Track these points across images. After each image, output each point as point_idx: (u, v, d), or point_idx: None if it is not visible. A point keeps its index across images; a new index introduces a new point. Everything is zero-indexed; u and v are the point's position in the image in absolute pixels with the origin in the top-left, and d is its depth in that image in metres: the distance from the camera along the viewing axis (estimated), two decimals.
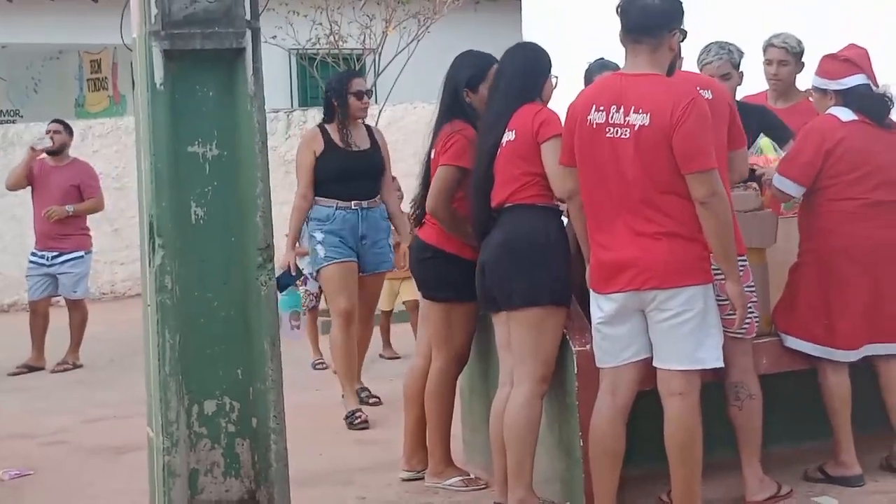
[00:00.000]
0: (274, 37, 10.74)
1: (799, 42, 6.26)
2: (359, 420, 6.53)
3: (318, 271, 6.88)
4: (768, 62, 6.26)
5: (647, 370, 4.40)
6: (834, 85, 5.13)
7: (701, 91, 4.64)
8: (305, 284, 8.37)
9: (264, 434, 4.21)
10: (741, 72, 5.65)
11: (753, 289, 4.80)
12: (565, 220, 4.81)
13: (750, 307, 4.72)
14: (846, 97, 5.10)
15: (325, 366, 8.18)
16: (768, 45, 6.29)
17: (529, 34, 13.58)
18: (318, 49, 11.50)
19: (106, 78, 17.24)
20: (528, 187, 4.71)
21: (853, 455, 5.06)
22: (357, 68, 11.27)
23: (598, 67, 5.77)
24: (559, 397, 4.81)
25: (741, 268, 4.69)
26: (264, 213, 4.23)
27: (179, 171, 4.17)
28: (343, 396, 6.80)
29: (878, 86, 5.18)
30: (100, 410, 7.50)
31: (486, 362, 5.27)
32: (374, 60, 11.24)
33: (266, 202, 4.24)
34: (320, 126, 6.88)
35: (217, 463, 4.20)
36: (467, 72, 5.16)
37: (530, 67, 4.87)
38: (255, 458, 4.21)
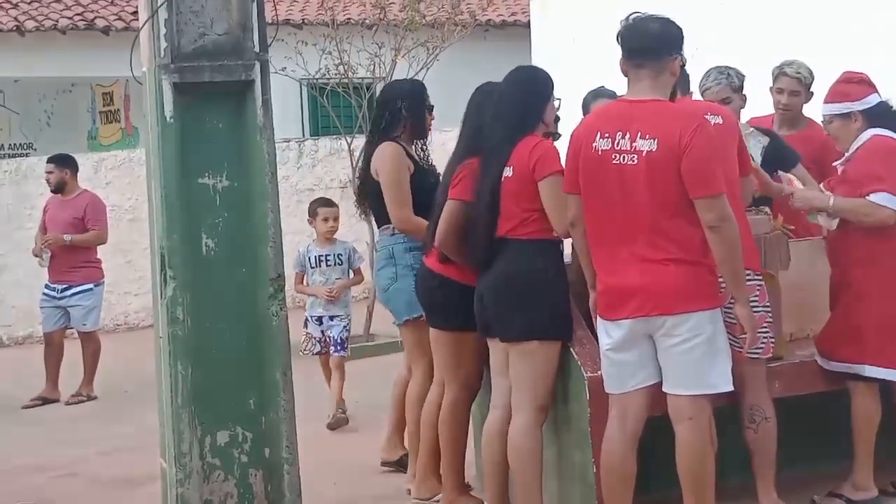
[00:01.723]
0: (284, 68, 10.76)
1: (811, 72, 6.24)
2: None
3: (419, 317, 5.55)
4: (779, 91, 6.23)
5: (657, 395, 4.39)
6: (858, 105, 5.08)
7: (711, 116, 4.66)
8: (306, 327, 7.66)
9: (277, 464, 4.23)
10: (744, 95, 5.65)
11: (769, 308, 4.79)
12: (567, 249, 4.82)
13: (765, 328, 4.72)
14: (871, 116, 5.08)
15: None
16: (780, 74, 6.27)
17: (539, 62, 13.64)
18: (329, 78, 11.53)
19: (118, 110, 17.32)
20: (528, 223, 4.73)
21: (872, 478, 5.03)
22: (367, 97, 11.30)
23: (593, 97, 5.81)
24: (572, 423, 4.81)
25: (758, 286, 4.69)
26: (275, 243, 4.26)
27: (190, 203, 4.20)
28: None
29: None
30: (114, 442, 7.50)
31: None
32: None
33: (277, 232, 4.27)
34: (394, 140, 5.75)
35: (230, 494, 4.22)
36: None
37: (530, 93, 4.88)
38: (269, 489, 4.23)
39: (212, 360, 4.19)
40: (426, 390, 5.54)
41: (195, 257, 4.20)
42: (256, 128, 4.26)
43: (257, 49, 4.30)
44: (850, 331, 4.99)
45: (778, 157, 5.59)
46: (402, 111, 5.75)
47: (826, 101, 5.21)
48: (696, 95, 5.48)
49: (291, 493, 4.24)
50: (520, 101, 4.84)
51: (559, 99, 4.97)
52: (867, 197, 4.92)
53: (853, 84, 5.18)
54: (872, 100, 5.11)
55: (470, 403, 5.32)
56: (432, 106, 5.94)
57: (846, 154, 5.13)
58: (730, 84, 5.53)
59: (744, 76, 5.67)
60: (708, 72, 5.59)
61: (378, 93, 6.83)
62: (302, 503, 4.25)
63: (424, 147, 5.86)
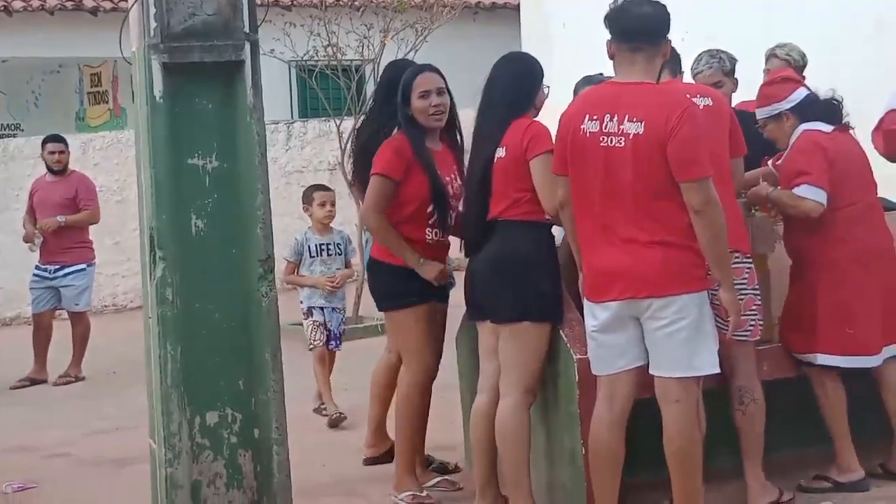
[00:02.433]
0: (272, 50, 10.73)
1: (803, 55, 6.27)
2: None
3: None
4: (767, 72, 6.26)
5: (644, 377, 4.41)
6: (786, 104, 5.17)
7: (701, 99, 4.68)
8: (311, 316, 7.36)
9: (266, 445, 4.22)
10: (736, 79, 5.66)
11: (758, 291, 4.81)
12: (558, 233, 4.83)
13: (754, 310, 4.74)
14: (801, 110, 5.14)
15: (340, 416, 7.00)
16: (771, 56, 6.29)
17: (528, 43, 13.64)
18: (317, 60, 11.50)
19: (106, 91, 17.26)
20: (520, 204, 4.74)
21: (856, 459, 5.07)
22: (356, 79, 11.28)
23: (585, 83, 5.79)
24: (561, 406, 4.82)
25: (747, 268, 4.71)
26: (265, 224, 4.25)
27: (179, 184, 4.19)
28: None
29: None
30: (102, 423, 7.50)
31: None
32: (373, 70, 11.24)
33: (266, 214, 4.26)
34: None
35: (219, 474, 4.21)
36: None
37: (522, 79, 4.89)
38: (258, 469, 4.22)
39: (201, 340, 4.18)
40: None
41: (184, 238, 4.18)
42: (246, 108, 4.24)
43: (247, 29, 4.28)
44: (802, 320, 5.04)
45: (766, 143, 5.59)
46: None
47: (756, 107, 5.28)
48: (688, 78, 5.48)
49: (280, 473, 4.23)
50: (512, 86, 4.86)
51: (548, 86, 4.99)
52: (793, 189, 4.99)
53: (776, 85, 5.29)
54: (798, 96, 5.18)
55: (426, 385, 5.31)
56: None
57: (785, 152, 5.18)
58: (721, 68, 5.55)
59: (735, 60, 5.69)
60: (700, 55, 5.61)
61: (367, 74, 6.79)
62: (291, 484, 4.25)
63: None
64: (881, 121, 5.64)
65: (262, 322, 4.22)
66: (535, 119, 4.83)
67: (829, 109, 5.19)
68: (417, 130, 5.20)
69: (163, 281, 4.14)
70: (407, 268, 5.17)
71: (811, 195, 4.96)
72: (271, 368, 4.22)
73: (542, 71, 4.96)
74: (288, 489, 4.25)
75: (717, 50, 5.63)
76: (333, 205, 7.37)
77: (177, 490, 4.14)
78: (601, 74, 5.87)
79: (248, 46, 4.28)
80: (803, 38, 8.44)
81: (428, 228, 5.20)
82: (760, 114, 5.28)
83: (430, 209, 5.18)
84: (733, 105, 5.63)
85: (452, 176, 5.26)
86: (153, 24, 4.18)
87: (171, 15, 4.19)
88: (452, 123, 5.37)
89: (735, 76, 5.66)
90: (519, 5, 14.83)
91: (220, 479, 4.21)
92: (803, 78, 6.14)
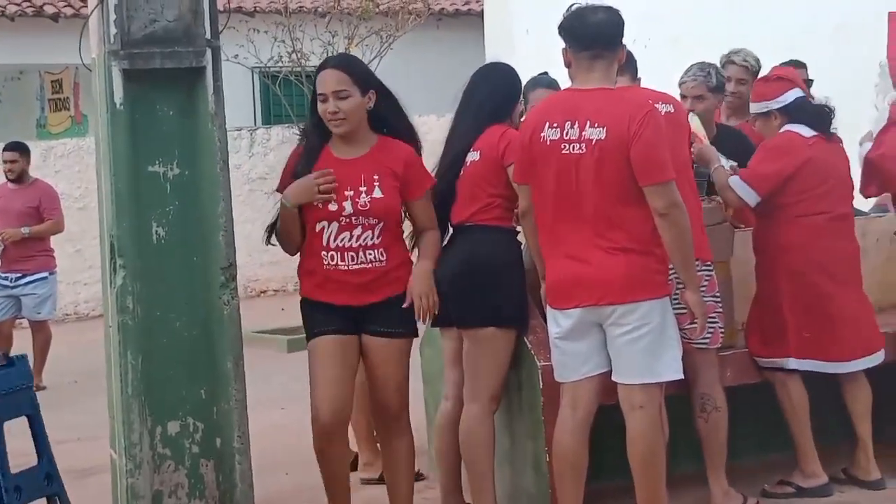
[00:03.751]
0: (236, 56, 10.71)
1: (758, 60, 6.30)
2: None
3: None
4: (727, 79, 6.27)
5: (607, 384, 4.40)
6: (775, 104, 5.19)
7: (662, 105, 4.68)
8: None
9: (229, 454, 4.20)
10: (722, 96, 5.67)
11: (719, 299, 4.82)
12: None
13: (714, 317, 4.75)
14: (790, 112, 5.16)
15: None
16: (728, 62, 6.31)
17: (491, 50, 13.66)
18: (281, 67, 11.49)
19: (67, 98, 17.15)
20: (491, 209, 4.73)
21: (819, 464, 5.09)
22: None
23: (532, 86, 5.81)
24: (525, 412, 4.82)
25: (707, 277, 4.72)
26: (226, 232, 4.23)
27: (140, 191, 4.17)
28: None
29: (813, 99, 5.30)
30: (63, 433, 7.40)
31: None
32: None
33: (228, 221, 4.24)
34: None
35: (181, 484, 4.19)
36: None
37: (505, 91, 4.89)
38: (220, 479, 4.21)
39: (162, 349, 4.16)
40: None
41: (145, 246, 4.16)
42: (208, 115, 4.23)
43: (208, 36, 4.27)
44: (769, 326, 5.08)
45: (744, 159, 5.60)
46: None
47: (751, 101, 5.31)
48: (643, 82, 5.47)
49: (243, 483, 4.21)
50: (494, 94, 4.86)
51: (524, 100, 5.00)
52: (731, 178, 5.06)
53: (771, 83, 5.30)
54: (789, 97, 5.19)
55: None
56: None
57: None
58: (706, 82, 5.50)
59: (724, 77, 5.69)
60: (690, 66, 5.58)
61: None
62: (254, 493, 4.23)
63: None
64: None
65: (224, 330, 4.20)
66: (510, 127, 4.82)
67: (817, 115, 5.18)
68: (317, 139, 4.58)
69: (123, 289, 4.11)
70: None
71: (741, 191, 5.02)
72: (234, 377, 4.21)
73: (521, 85, 4.99)
74: (250, 499, 4.23)
75: (709, 64, 5.62)
76: None
77: (138, 500, 4.12)
78: (545, 74, 5.90)
79: (209, 53, 4.27)
80: (765, 42, 8.51)
81: (324, 251, 4.46)
82: (752, 109, 5.29)
83: (319, 227, 4.45)
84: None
85: (361, 188, 4.45)
86: (113, 31, 4.16)
87: (132, 21, 4.17)
88: (390, 124, 4.59)
89: (722, 93, 5.66)
90: (483, 12, 14.86)
91: (182, 489, 4.19)
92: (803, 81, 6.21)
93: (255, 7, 15.81)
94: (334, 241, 4.42)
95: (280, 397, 7.82)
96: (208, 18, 4.27)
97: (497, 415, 4.79)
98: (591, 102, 4.28)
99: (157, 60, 4.18)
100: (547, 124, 4.33)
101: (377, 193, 4.44)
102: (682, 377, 4.47)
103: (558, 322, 4.41)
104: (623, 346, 4.30)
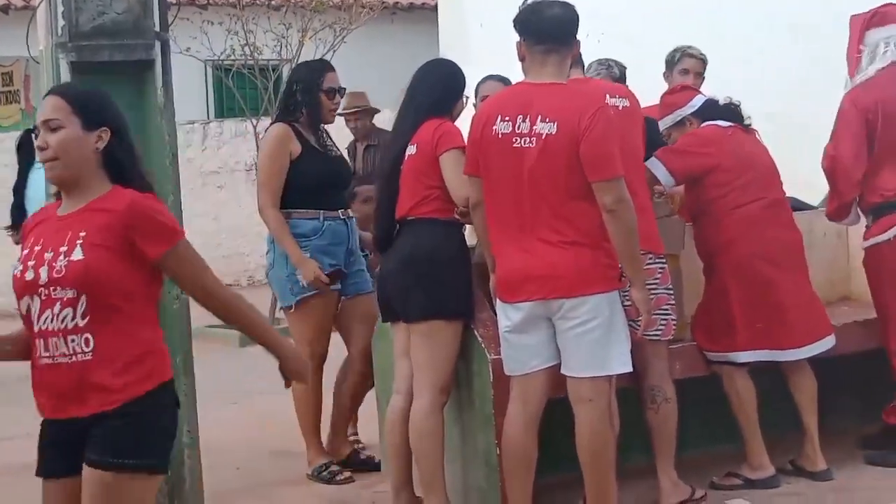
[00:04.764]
0: (188, 48, 10.63)
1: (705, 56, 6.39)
2: (338, 475, 5.62)
3: (296, 304, 5.56)
4: (685, 72, 6.31)
5: (557, 377, 4.43)
6: (688, 110, 5.33)
7: (619, 100, 4.73)
8: None
9: (178, 449, 4.17)
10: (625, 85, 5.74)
11: (671, 290, 4.86)
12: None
13: (667, 308, 4.79)
14: (703, 114, 5.30)
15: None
16: (684, 55, 6.36)
17: (445, 44, 13.66)
18: (234, 60, 11.41)
19: (18, 91, 16.94)
20: (430, 201, 4.75)
21: (766, 457, 5.15)
22: (273, 79, 11.21)
23: (484, 79, 5.86)
24: (475, 406, 4.83)
25: (660, 269, 4.76)
26: None
27: None
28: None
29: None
30: (9, 429, 7.36)
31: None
32: (291, 70, 11.20)
33: (178, 215, 4.21)
34: (289, 123, 5.62)
35: None
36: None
37: (446, 86, 4.92)
38: (169, 475, 4.17)
39: None
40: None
41: None
42: (157, 108, 4.20)
43: (157, 28, 4.24)
44: (715, 320, 5.13)
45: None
46: (297, 94, 5.66)
47: (660, 118, 5.39)
48: None
49: (192, 477, 4.20)
50: (434, 90, 4.88)
51: (468, 97, 5.02)
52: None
53: (677, 94, 5.48)
54: (698, 101, 5.36)
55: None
56: (337, 88, 5.73)
57: None
58: (609, 75, 5.58)
59: (625, 67, 5.80)
60: (590, 64, 5.65)
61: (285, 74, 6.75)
62: (203, 488, 4.21)
63: (320, 131, 5.70)
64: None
65: (172, 325, 4.17)
66: (447, 121, 4.83)
67: (728, 112, 5.32)
68: None
69: None
70: None
71: (655, 170, 5.09)
72: (182, 372, 4.18)
73: (465, 82, 4.99)
74: (200, 493, 4.21)
75: (607, 58, 5.70)
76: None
77: None
78: (492, 75, 5.95)
79: (158, 45, 4.25)
80: (719, 41, 8.56)
81: (35, 339, 3.35)
82: (664, 123, 5.40)
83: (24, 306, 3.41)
84: None
85: (62, 248, 3.24)
86: (61, 23, 4.12)
87: (80, 13, 4.14)
88: (122, 169, 3.35)
89: (625, 84, 5.72)
90: (437, 6, 14.84)
91: None
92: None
93: None
94: (38, 323, 3.27)
95: (232, 392, 7.81)
96: (157, 11, 4.24)
97: (447, 408, 4.80)
98: (544, 97, 4.30)
99: (106, 53, 4.15)
100: (499, 117, 4.34)
101: (77, 255, 3.20)
102: (631, 370, 4.50)
103: (508, 316, 4.42)
104: (572, 339, 4.32)
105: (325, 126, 5.79)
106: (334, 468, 5.62)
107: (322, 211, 5.55)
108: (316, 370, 5.57)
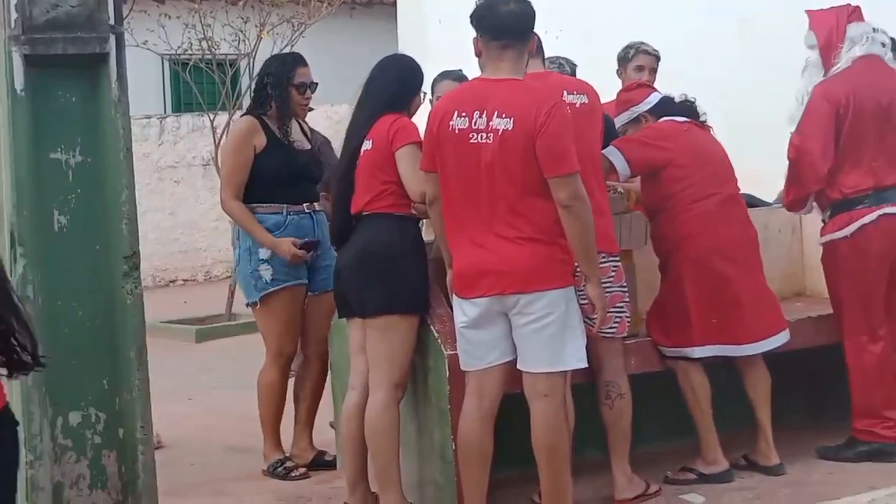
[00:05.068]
0: (145, 42, 10.57)
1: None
2: (293, 471, 5.61)
3: (260, 299, 5.54)
4: (640, 68, 6.34)
5: (513, 372, 4.44)
6: (643, 106, 5.36)
7: (577, 96, 4.74)
8: None
9: (131, 445, 4.16)
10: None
11: (625, 288, 4.88)
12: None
13: (621, 306, 4.81)
14: (658, 111, 5.34)
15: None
16: (639, 52, 6.39)
17: (404, 39, 13.65)
18: (192, 54, 11.35)
19: None
20: (386, 196, 4.75)
21: (720, 451, 5.18)
22: (231, 73, 11.16)
23: (440, 77, 5.88)
24: (431, 401, 4.83)
25: (614, 268, 4.78)
26: (130, 220, 4.17)
27: (41, 179, 4.10)
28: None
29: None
30: None
31: None
32: (249, 65, 11.14)
33: (132, 209, 4.18)
34: (256, 116, 5.63)
35: (83, 475, 4.14)
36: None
37: (403, 81, 4.91)
38: (122, 470, 4.16)
39: (64, 339, 4.09)
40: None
41: (46, 234, 4.09)
42: (111, 102, 4.16)
43: (112, 21, 4.20)
44: (670, 315, 5.16)
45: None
46: (267, 88, 5.64)
47: (616, 115, 5.42)
48: None
49: (146, 473, 4.17)
50: (391, 85, 4.87)
51: (425, 93, 5.02)
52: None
53: (633, 91, 5.51)
54: (654, 98, 5.39)
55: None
56: (307, 84, 5.68)
57: None
58: (560, 73, 5.60)
59: (576, 65, 5.83)
60: None
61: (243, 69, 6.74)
62: (157, 484, 4.19)
63: (288, 126, 5.65)
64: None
65: (126, 320, 4.15)
66: (402, 116, 4.83)
67: (684, 109, 5.36)
68: None
69: (23, 278, 4.04)
70: None
71: (613, 159, 5.11)
72: (136, 367, 4.16)
73: (422, 78, 4.99)
74: (154, 489, 4.19)
75: (557, 56, 5.72)
76: None
77: (38, 492, 4.05)
78: (460, 71, 5.96)
79: (113, 39, 4.20)
80: (674, 37, 8.61)
81: None
82: (620, 120, 5.42)
83: None
84: None
85: None
86: (14, 15, 4.08)
87: (34, 6, 4.10)
88: None
89: None
90: (396, 2, 14.83)
91: (84, 480, 4.13)
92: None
93: None
94: None
95: (187, 387, 7.78)
96: (112, 4, 4.20)
97: (403, 404, 4.80)
98: (500, 93, 4.31)
99: (60, 46, 4.11)
100: (456, 113, 4.34)
101: None
102: (587, 365, 4.52)
103: (464, 311, 4.43)
104: (528, 334, 4.34)
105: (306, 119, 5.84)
106: (289, 464, 5.60)
107: (286, 205, 5.53)
108: (283, 368, 5.60)
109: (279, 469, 5.57)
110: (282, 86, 5.59)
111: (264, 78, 5.68)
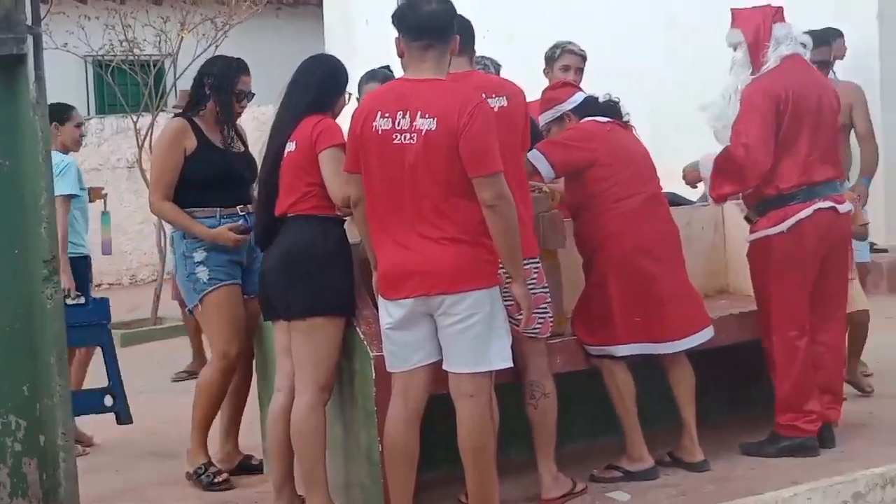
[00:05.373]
0: (66, 44, 10.43)
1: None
2: (217, 477, 5.52)
3: (200, 301, 5.47)
4: (566, 68, 6.37)
5: (438, 373, 4.44)
6: (567, 105, 5.39)
7: (496, 99, 4.73)
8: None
9: (52, 452, 4.09)
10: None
11: (547, 289, 4.90)
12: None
13: (544, 307, 4.83)
14: (582, 111, 5.37)
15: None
16: (565, 52, 6.42)
17: (331, 39, 13.63)
18: (114, 55, 11.21)
19: None
20: (309, 198, 4.73)
21: (645, 449, 5.22)
22: (154, 74, 11.04)
23: (367, 79, 5.87)
24: (357, 403, 4.82)
25: (535, 270, 4.80)
26: (49, 224, 4.10)
27: None
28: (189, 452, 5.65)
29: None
30: None
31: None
32: (172, 65, 11.04)
33: (50, 213, 4.11)
34: (187, 118, 5.58)
35: (3, 483, 4.06)
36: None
37: (327, 82, 4.89)
38: (44, 478, 4.09)
39: None
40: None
41: None
42: (29, 104, 4.10)
43: (30, 22, 4.13)
44: (594, 314, 5.19)
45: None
46: (206, 89, 5.57)
47: (539, 114, 5.45)
48: None
49: (68, 480, 4.10)
50: (315, 86, 4.86)
51: (350, 93, 5.00)
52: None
53: (557, 90, 5.54)
54: (578, 98, 5.43)
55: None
56: (247, 92, 5.63)
57: None
58: (486, 73, 5.62)
59: (500, 66, 5.84)
60: None
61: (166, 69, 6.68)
62: (79, 491, 4.13)
63: (229, 130, 5.59)
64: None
65: (46, 325, 4.08)
66: (326, 117, 4.82)
67: (607, 109, 5.40)
68: None
69: None
70: None
71: (537, 162, 5.13)
72: (57, 373, 4.09)
73: (347, 78, 4.97)
74: (76, 497, 4.12)
75: (482, 56, 5.73)
76: None
77: None
78: (387, 68, 5.95)
79: (30, 39, 4.13)
80: (598, 37, 8.68)
81: None
82: (544, 118, 5.44)
83: None
84: None
85: None
86: None
87: None
88: None
89: None
90: (322, 2, 14.79)
91: (4, 488, 4.06)
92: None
93: None
94: None
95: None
96: (29, 4, 4.14)
97: (329, 406, 4.79)
98: (423, 93, 4.31)
99: None
100: (379, 114, 4.34)
101: None
102: (512, 365, 4.54)
103: (390, 312, 4.42)
104: (453, 335, 4.34)
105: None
106: (213, 469, 5.52)
107: (219, 208, 5.48)
108: (227, 372, 5.46)
109: (203, 476, 5.49)
110: (226, 91, 5.54)
111: (204, 77, 5.59)
